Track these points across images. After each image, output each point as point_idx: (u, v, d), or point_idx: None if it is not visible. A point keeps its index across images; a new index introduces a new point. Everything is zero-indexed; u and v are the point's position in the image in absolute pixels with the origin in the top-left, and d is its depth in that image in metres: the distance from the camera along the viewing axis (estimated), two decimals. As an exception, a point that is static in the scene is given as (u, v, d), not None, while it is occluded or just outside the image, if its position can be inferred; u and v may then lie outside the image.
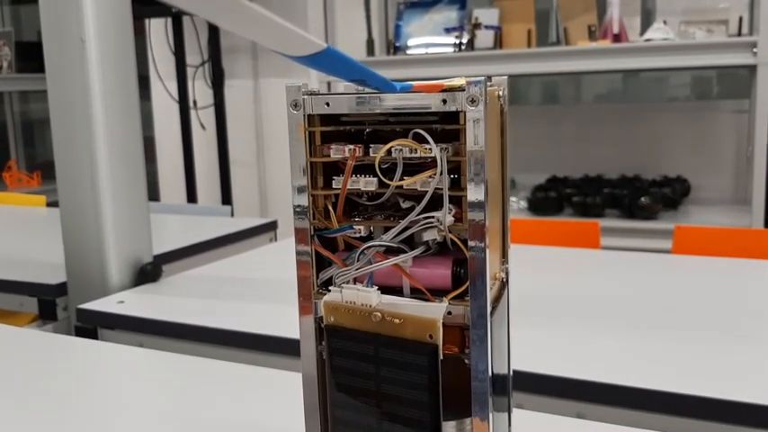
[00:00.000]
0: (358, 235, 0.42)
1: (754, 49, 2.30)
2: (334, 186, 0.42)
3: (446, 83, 0.39)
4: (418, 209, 0.39)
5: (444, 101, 0.39)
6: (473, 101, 0.38)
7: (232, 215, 2.28)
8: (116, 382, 0.99)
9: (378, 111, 0.40)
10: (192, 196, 3.52)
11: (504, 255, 0.48)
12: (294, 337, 1.03)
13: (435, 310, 0.41)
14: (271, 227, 2.10)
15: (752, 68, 2.39)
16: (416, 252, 0.41)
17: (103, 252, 1.39)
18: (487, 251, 0.39)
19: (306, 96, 0.41)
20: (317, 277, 0.43)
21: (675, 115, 2.93)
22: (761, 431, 0.78)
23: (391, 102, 0.40)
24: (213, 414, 0.85)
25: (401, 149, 0.40)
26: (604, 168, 3.03)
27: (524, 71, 2.77)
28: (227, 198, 3.52)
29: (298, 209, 0.42)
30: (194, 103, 3.68)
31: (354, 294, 0.40)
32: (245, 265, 1.60)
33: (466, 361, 0.41)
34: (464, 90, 0.38)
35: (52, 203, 2.16)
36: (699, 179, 2.87)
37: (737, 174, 2.83)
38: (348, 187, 0.42)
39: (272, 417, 0.83)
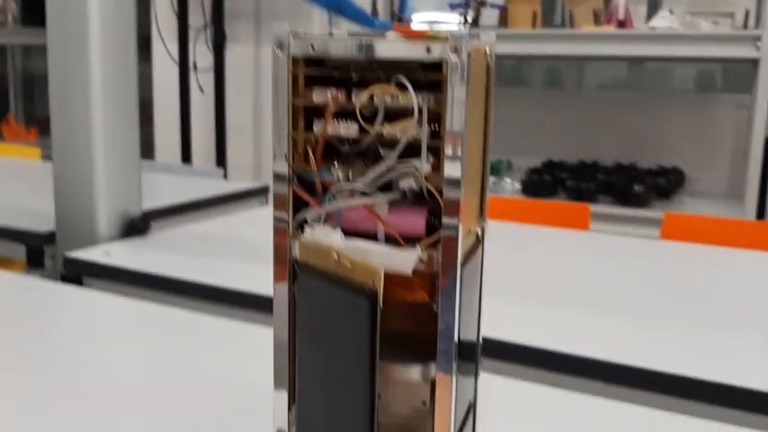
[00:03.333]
0: (337, 180, 0.42)
1: (758, 43, 2.29)
2: (314, 130, 0.42)
3: (430, 31, 0.39)
4: (394, 154, 0.39)
5: (428, 49, 0.39)
6: (456, 50, 0.38)
7: (225, 177, 2.28)
8: (98, 328, 0.99)
9: (361, 56, 0.40)
10: (187, 158, 3.51)
11: (482, 213, 0.48)
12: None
13: (407, 257, 0.41)
14: (263, 191, 2.10)
15: (754, 62, 2.38)
16: (390, 196, 0.41)
17: (93, 202, 1.40)
18: (462, 197, 0.39)
19: (292, 37, 0.41)
20: (294, 218, 0.44)
21: (676, 106, 2.93)
22: (729, 410, 0.79)
23: (375, 48, 0.40)
24: (189, 364, 0.86)
25: (383, 96, 0.40)
26: (601, 155, 3.03)
27: (528, 52, 2.76)
28: (221, 162, 3.52)
29: (277, 152, 0.43)
30: (194, 65, 3.65)
31: (321, 233, 0.41)
32: (235, 225, 1.60)
33: (435, 308, 0.42)
34: (448, 39, 0.38)
35: (48, 158, 2.16)
36: (695, 171, 2.88)
37: (733, 168, 2.83)
38: (329, 132, 0.42)
39: (247, 370, 0.84)
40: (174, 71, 3.57)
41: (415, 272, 0.41)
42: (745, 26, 2.59)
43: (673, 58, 2.76)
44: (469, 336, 0.47)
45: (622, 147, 2.99)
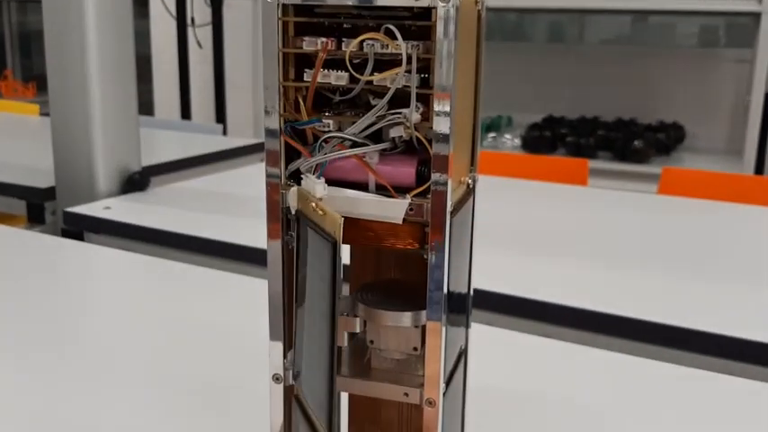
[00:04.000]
0: (327, 129, 0.43)
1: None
2: (305, 79, 0.42)
3: (419, -23, 0.39)
4: (382, 102, 0.40)
5: (417, -4, 0.39)
6: (445, -2, 0.38)
7: (224, 134, 2.27)
8: (99, 281, 1.00)
9: (350, 2, 0.40)
10: (186, 115, 3.50)
11: (473, 163, 0.48)
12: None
13: (397, 206, 0.42)
14: (262, 147, 2.09)
15: (756, 16, 2.36)
16: (380, 147, 0.41)
17: (92, 158, 1.40)
18: (451, 149, 0.40)
19: (281, -15, 0.41)
20: (286, 169, 0.44)
21: (677, 62, 2.91)
22: (717, 359, 0.81)
23: (365, -4, 0.40)
24: (188, 314, 0.88)
25: (372, 44, 0.40)
26: (601, 111, 3.01)
27: (529, 5, 2.73)
28: (221, 118, 3.51)
29: (268, 103, 0.43)
30: (192, 20, 3.61)
31: (308, 183, 0.41)
32: (235, 180, 1.61)
33: (425, 256, 0.42)
34: (437, -14, 0.38)
35: (46, 114, 2.15)
36: (694, 127, 2.87)
37: (734, 124, 2.82)
38: (319, 80, 0.42)
39: (245, 319, 0.85)
40: (172, 27, 3.53)
41: (405, 220, 0.42)
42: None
43: (675, 12, 2.73)
44: (460, 285, 0.47)
45: (623, 102, 2.97)
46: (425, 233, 0.42)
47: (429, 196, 0.41)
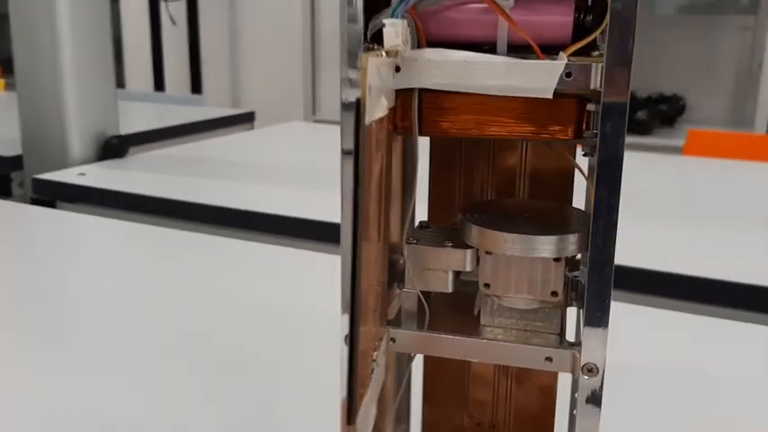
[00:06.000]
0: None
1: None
2: None
3: None
4: None
5: None
6: None
7: (202, 104, 2.11)
8: (78, 249, 0.85)
9: None
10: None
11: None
12: (262, 211, 0.92)
13: (546, 71, 0.27)
14: (247, 118, 1.93)
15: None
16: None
17: (64, 122, 1.24)
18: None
19: None
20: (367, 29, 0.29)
21: (678, 30, 2.79)
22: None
23: None
24: (176, 280, 0.73)
25: None
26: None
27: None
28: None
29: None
30: (165, -6, 3.43)
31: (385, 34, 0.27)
32: (220, 148, 1.45)
33: (584, 150, 0.28)
34: None
35: (12, 87, 1.98)
36: (696, 98, 2.76)
37: (736, 94, 2.72)
38: None
39: (234, 282, 0.71)
40: (144, 3, 3.35)
41: (557, 94, 0.28)
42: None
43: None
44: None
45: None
46: (585, 112, 0.28)
47: (597, 53, 0.27)
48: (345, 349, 0.29)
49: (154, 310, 0.66)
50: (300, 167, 1.24)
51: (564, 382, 0.40)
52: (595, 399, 0.29)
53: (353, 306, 0.28)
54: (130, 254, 0.83)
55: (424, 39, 0.29)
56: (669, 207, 1.02)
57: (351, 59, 0.25)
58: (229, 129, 1.85)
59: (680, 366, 0.56)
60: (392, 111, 0.29)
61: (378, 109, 0.25)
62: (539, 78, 0.27)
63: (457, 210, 0.36)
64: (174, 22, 3.47)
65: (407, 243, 0.32)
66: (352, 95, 0.24)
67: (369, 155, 0.25)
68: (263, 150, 1.45)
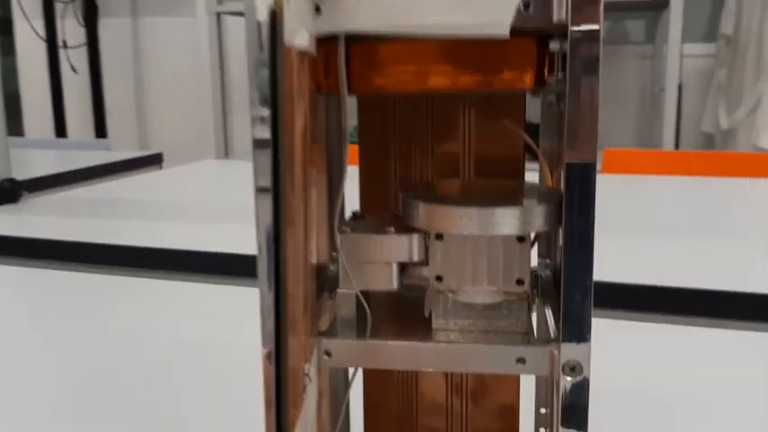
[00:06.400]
0: None
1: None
2: None
3: None
4: None
5: None
6: None
7: (108, 148, 2.00)
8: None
9: None
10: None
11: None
12: (165, 247, 0.84)
13: (499, 3, 0.22)
14: (155, 160, 1.84)
15: (663, 5, 2.32)
16: None
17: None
18: None
19: None
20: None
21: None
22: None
23: None
24: (78, 324, 0.65)
25: None
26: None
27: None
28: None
29: None
30: (64, 43, 3.30)
31: None
32: (124, 189, 1.36)
33: (550, 101, 0.23)
34: None
35: None
36: (604, 124, 2.82)
37: (641, 118, 2.79)
38: None
39: (146, 322, 0.64)
40: (42, 52, 3.21)
41: (513, 32, 0.23)
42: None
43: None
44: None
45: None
46: (550, 57, 0.23)
47: (557, -20, 0.22)
48: (271, 367, 0.23)
49: (55, 355, 0.57)
50: (213, 203, 1.17)
51: (528, 398, 0.35)
52: (580, 404, 0.24)
53: (278, 315, 0.22)
54: (23, 300, 0.73)
55: (349, -28, 0.23)
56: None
57: (261, 98, 0.20)
58: (136, 171, 1.76)
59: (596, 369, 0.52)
60: (313, 64, 0.24)
61: (298, 35, 0.19)
62: (491, 11, 0.22)
63: (393, 200, 0.31)
64: (75, 71, 3.33)
65: (340, 232, 0.26)
66: (264, 132, 0.20)
67: (289, 103, 0.20)
68: (173, 189, 1.37)
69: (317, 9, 0.23)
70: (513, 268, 0.26)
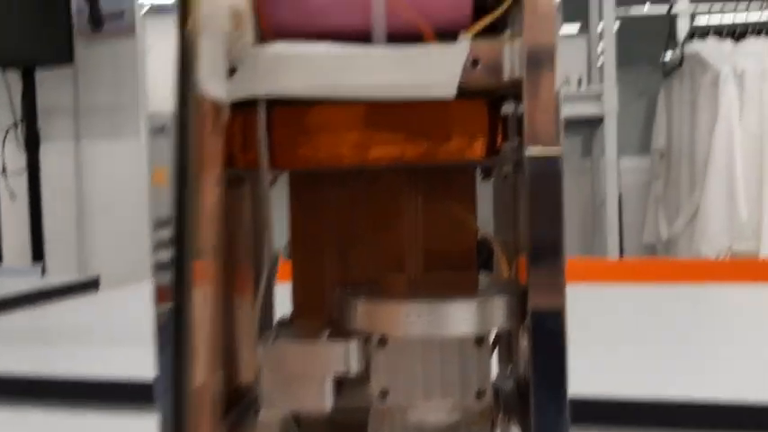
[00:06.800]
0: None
1: (601, 98, 2.31)
2: None
3: None
4: None
5: None
6: None
7: (43, 273, 1.91)
8: None
9: None
10: (-4, 271, 3.03)
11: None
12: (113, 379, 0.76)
13: (446, 59, 0.19)
14: (92, 285, 1.75)
15: (598, 121, 2.40)
16: None
17: None
18: None
19: None
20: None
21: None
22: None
23: None
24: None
25: None
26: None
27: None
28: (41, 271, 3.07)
29: None
30: (3, 169, 3.23)
31: None
32: (53, 315, 1.27)
33: (499, 173, 0.20)
34: None
35: None
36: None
37: (584, 230, 2.83)
38: None
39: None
40: (-23, 178, 3.13)
41: (461, 92, 0.19)
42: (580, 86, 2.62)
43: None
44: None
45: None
46: (498, 120, 0.20)
47: (507, 32, 0.20)
48: None
49: None
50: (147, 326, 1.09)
51: None
52: None
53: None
54: None
55: (271, 29, 0.20)
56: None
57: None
58: (71, 297, 1.67)
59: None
60: (227, 138, 0.20)
61: (213, 78, 0.16)
62: (435, 69, 0.19)
63: (330, 300, 0.26)
64: (13, 198, 3.25)
65: (261, 343, 0.22)
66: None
67: (200, 173, 0.16)
68: (108, 313, 1.29)
69: (232, 71, 0.19)
70: (472, 377, 0.21)
